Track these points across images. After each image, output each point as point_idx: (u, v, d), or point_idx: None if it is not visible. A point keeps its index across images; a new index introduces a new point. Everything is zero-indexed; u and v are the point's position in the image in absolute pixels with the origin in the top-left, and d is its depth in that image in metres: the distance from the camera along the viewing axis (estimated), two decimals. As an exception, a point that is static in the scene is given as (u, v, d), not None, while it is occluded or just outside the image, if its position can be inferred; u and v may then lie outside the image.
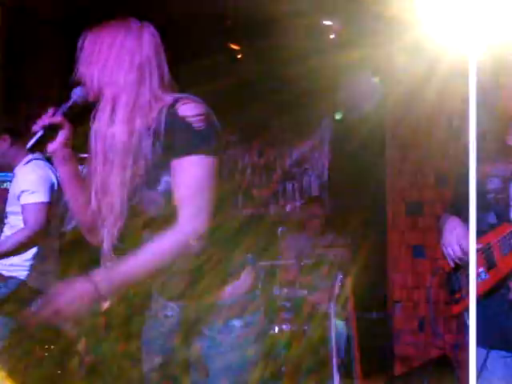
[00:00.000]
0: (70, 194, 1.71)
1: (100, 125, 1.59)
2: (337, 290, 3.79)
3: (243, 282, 1.71)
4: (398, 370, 4.39)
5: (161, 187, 1.57)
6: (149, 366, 1.80)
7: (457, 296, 2.37)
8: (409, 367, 4.29)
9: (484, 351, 2.22)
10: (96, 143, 1.60)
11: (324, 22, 4.31)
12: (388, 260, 4.50)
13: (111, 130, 1.57)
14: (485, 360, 2.22)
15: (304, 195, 4.97)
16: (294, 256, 4.16)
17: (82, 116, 1.65)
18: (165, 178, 1.56)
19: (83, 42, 1.64)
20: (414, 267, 4.39)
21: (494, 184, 2.29)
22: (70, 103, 1.63)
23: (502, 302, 2.21)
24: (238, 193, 5.24)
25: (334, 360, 3.78)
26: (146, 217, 1.59)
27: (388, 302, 4.48)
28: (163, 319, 1.75)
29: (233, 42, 4.61)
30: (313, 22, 4.32)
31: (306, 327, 3.97)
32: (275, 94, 4.86)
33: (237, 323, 1.67)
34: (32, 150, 1.64)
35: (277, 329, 3.88)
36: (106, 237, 1.60)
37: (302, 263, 3.95)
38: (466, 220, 2.39)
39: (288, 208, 5.10)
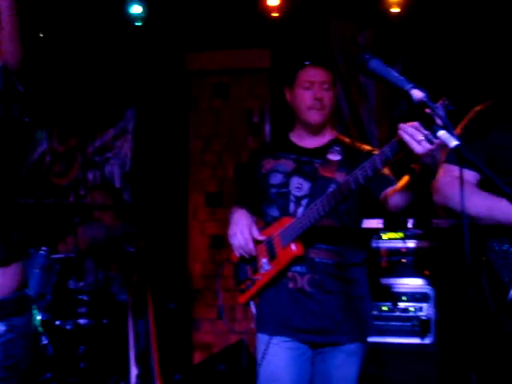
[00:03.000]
0: None
1: None
2: (135, 281, 3.75)
3: (10, 278, 1.53)
4: (198, 357, 4.47)
5: None
6: None
7: (242, 287, 2.46)
8: (208, 354, 4.38)
9: (267, 337, 2.35)
10: None
11: (131, 10, 4.20)
12: (188, 250, 4.56)
13: None
14: (267, 345, 2.34)
15: (98, 184, 4.81)
16: (91, 247, 4.03)
17: None
18: None
19: None
20: (214, 257, 4.50)
21: (276, 179, 2.42)
22: None
23: (283, 291, 2.34)
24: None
25: (132, 352, 3.73)
26: None
27: (188, 291, 4.54)
28: None
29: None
30: (119, 8, 4.20)
31: (105, 320, 3.87)
32: (78, 79, 4.67)
33: (1, 327, 1.49)
34: None
35: (73, 324, 3.73)
36: None
37: (99, 254, 3.84)
38: (252, 211, 2.52)
39: (89, 198, 4.91)
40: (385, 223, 3.48)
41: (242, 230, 2.38)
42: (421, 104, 1.51)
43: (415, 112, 1.55)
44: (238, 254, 2.43)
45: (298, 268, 2.30)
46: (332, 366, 2.33)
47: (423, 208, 2.16)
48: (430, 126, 1.55)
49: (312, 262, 2.30)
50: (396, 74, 1.59)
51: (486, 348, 2.42)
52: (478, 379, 2.77)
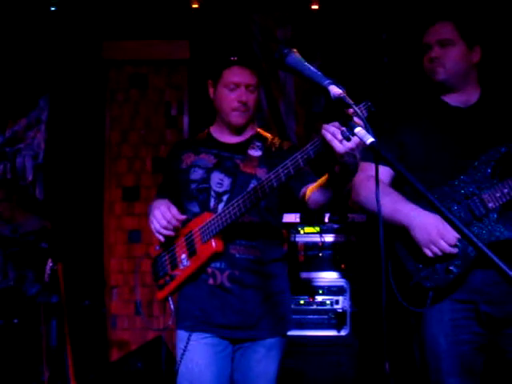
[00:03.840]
0: None
1: None
2: (47, 278, 3.62)
3: None
4: (115, 355, 4.37)
5: None
6: None
7: (161, 282, 2.43)
8: (126, 352, 4.30)
9: (186, 333, 2.33)
10: None
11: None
12: (104, 245, 4.44)
13: None
14: (187, 342, 2.32)
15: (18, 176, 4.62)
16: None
17: None
18: None
19: None
20: (130, 252, 4.41)
21: (197, 174, 2.40)
22: None
23: (202, 287, 2.33)
24: None
25: (45, 353, 3.61)
26: None
27: (104, 287, 4.42)
28: None
29: None
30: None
31: (15, 320, 3.72)
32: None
33: None
34: None
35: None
36: None
37: (8, 251, 3.70)
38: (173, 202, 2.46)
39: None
40: (302, 218, 3.54)
41: (163, 212, 2.29)
42: (338, 100, 1.49)
43: (333, 108, 1.55)
44: (161, 239, 2.35)
45: (217, 264, 2.30)
46: (252, 361, 2.34)
47: (339, 203, 2.22)
48: (347, 123, 1.55)
49: (232, 258, 2.30)
50: (314, 70, 1.59)
51: (397, 336, 2.54)
52: (392, 366, 2.90)
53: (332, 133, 1.66)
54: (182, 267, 2.34)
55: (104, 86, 4.49)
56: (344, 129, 1.59)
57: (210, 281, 2.31)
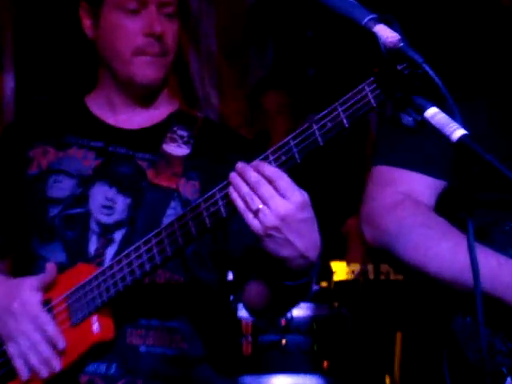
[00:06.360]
0: None
1: None
2: None
3: None
4: None
5: None
6: None
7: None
8: None
9: None
10: None
11: None
12: None
13: None
14: None
15: None
16: None
17: None
18: None
19: None
20: None
21: (62, 188, 2.39)
22: None
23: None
24: None
25: None
26: None
27: None
28: None
29: None
30: None
31: None
32: None
33: None
34: None
35: None
36: None
37: None
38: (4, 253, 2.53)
39: None
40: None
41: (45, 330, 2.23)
42: (395, 53, 1.47)
43: (379, 68, 1.52)
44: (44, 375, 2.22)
45: (102, 367, 2.28)
46: None
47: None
48: (409, 98, 1.51)
49: (132, 354, 2.29)
50: None
51: None
52: None
53: (243, 196, 1.73)
54: (27, 376, 2.28)
55: None
56: (412, 106, 1.55)
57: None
